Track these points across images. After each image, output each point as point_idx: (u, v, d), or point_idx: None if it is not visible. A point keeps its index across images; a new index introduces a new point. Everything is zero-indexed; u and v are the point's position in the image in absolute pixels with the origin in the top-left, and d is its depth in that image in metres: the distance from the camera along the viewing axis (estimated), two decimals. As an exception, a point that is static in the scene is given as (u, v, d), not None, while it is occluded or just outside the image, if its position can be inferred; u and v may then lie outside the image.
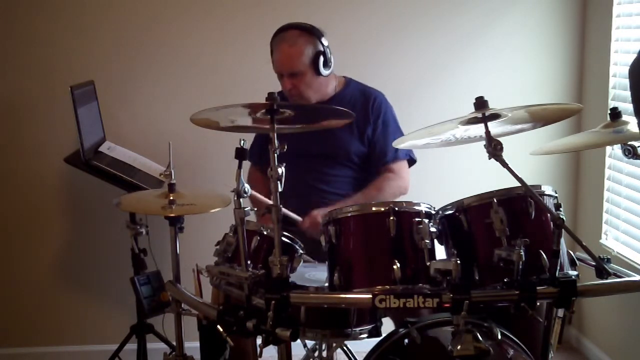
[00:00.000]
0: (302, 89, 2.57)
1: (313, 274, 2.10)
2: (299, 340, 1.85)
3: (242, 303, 1.77)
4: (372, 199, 2.53)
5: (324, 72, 2.57)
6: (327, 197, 2.59)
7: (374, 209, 1.87)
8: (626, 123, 2.09)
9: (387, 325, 2.10)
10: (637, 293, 1.81)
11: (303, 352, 2.21)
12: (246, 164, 1.90)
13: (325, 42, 2.58)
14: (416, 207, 1.85)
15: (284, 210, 1.81)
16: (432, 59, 3.24)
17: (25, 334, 3.31)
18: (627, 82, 1.63)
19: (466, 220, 1.85)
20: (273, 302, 1.67)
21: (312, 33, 2.56)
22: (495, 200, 1.77)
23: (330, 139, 2.60)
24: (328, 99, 2.67)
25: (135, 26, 3.14)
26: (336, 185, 2.63)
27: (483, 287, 1.77)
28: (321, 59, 2.55)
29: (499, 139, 1.72)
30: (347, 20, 3.13)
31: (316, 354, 2.13)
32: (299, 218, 2.44)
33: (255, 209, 1.98)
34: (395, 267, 1.76)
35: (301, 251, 2.04)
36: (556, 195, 1.90)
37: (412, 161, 2.73)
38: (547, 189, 1.88)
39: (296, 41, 2.54)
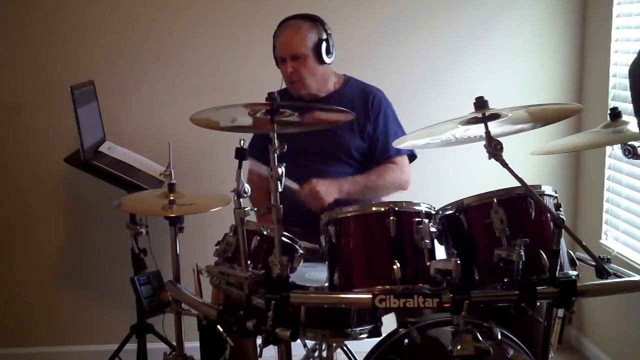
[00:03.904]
0: (303, 74, 2.59)
1: (313, 274, 2.10)
2: (299, 340, 1.85)
3: (242, 303, 1.77)
4: (372, 182, 2.57)
5: (327, 59, 2.60)
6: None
7: (374, 209, 1.87)
8: (626, 123, 2.09)
9: (387, 325, 2.10)
10: (637, 293, 1.81)
11: (303, 352, 2.21)
12: (246, 163, 1.90)
13: (329, 31, 2.62)
14: (416, 207, 1.85)
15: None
16: (432, 59, 3.24)
17: (25, 334, 3.31)
18: (627, 82, 1.63)
19: (466, 220, 1.85)
20: (273, 302, 1.68)
21: (316, 21, 2.62)
22: (495, 200, 1.77)
23: (330, 136, 2.60)
24: (327, 95, 2.68)
25: (135, 26, 3.14)
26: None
27: (483, 287, 1.78)
28: (324, 46, 2.59)
29: (499, 139, 1.72)
30: (348, 20, 3.13)
31: (316, 354, 2.13)
32: (297, 186, 2.42)
33: (255, 209, 1.98)
34: (395, 267, 1.76)
35: (301, 251, 2.04)
36: (556, 195, 1.90)
37: (412, 157, 2.74)
38: (547, 189, 1.89)
39: (301, 26, 2.60)
